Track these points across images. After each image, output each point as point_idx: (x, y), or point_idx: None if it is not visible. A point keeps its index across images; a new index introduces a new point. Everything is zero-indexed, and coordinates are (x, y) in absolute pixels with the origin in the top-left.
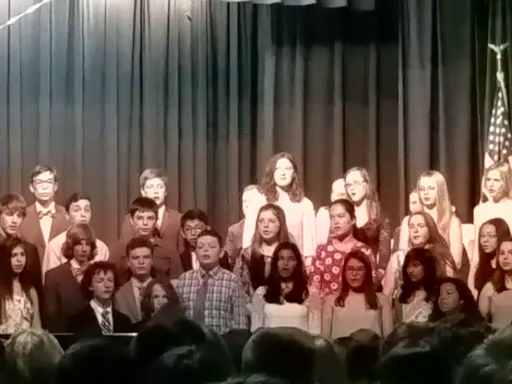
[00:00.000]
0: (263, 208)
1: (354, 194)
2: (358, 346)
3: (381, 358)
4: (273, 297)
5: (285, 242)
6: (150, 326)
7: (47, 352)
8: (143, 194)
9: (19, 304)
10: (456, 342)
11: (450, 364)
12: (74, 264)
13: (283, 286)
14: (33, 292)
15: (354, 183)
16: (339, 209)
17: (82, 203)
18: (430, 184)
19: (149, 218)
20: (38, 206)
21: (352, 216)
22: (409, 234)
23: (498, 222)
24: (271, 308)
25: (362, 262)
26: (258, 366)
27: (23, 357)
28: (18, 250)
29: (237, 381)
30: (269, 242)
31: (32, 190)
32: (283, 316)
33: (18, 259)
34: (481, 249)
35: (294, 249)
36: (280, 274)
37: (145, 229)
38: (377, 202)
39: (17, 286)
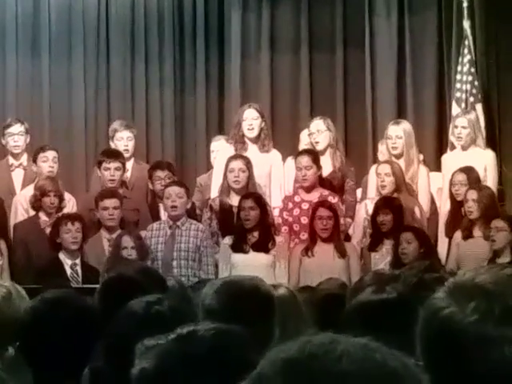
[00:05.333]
0: (232, 158)
1: (317, 142)
2: (326, 295)
3: (347, 304)
4: (239, 246)
5: (247, 193)
6: (113, 276)
7: (15, 303)
8: (112, 146)
9: None
10: (420, 288)
11: (416, 309)
12: (43, 216)
13: (249, 235)
14: (2, 244)
15: (317, 132)
16: (306, 160)
17: (50, 154)
18: (398, 133)
19: (116, 169)
20: (10, 159)
21: (318, 166)
22: (376, 183)
23: (468, 170)
24: (237, 257)
25: (330, 211)
26: (221, 314)
27: None
28: None
29: (188, 330)
30: (238, 192)
31: (3, 142)
32: (249, 265)
33: None
34: (452, 197)
35: (257, 199)
36: (243, 225)
37: (112, 180)
38: (341, 150)
39: None
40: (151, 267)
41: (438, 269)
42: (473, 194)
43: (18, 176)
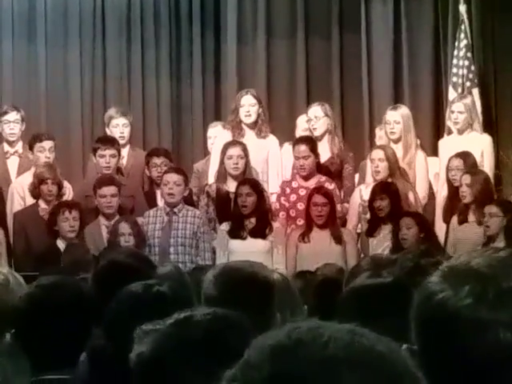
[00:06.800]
0: (230, 144)
1: (315, 129)
2: (323, 280)
3: (344, 289)
4: (236, 232)
5: (243, 179)
6: (105, 263)
7: (13, 291)
8: (108, 133)
9: None
10: (417, 273)
11: (412, 294)
12: (42, 204)
13: (246, 221)
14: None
15: (314, 118)
16: (303, 149)
17: (47, 144)
18: (396, 118)
19: (111, 155)
20: (6, 146)
21: (316, 154)
22: (370, 168)
23: (465, 155)
24: (235, 244)
25: (326, 197)
26: (220, 300)
27: None
28: None
29: (185, 315)
30: (235, 178)
31: None
32: (247, 251)
33: None
34: (449, 182)
35: (253, 185)
36: (240, 211)
37: (107, 167)
38: (339, 136)
39: None
40: (138, 250)
41: (434, 253)
42: (466, 179)
43: (13, 163)
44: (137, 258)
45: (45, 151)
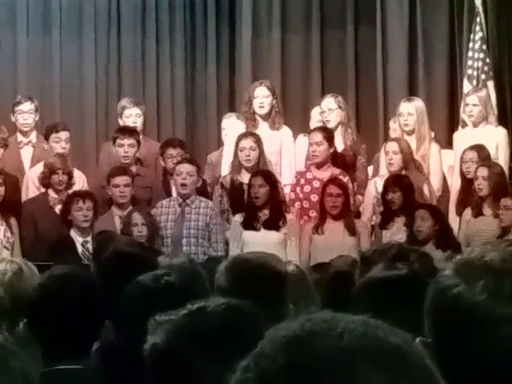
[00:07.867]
0: (242, 136)
1: (328, 121)
2: (337, 272)
3: (357, 281)
4: (250, 224)
5: (256, 170)
6: (109, 254)
7: (26, 280)
8: (121, 123)
9: None
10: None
11: (426, 287)
12: (51, 193)
13: (260, 213)
14: (13, 221)
15: (328, 110)
16: (318, 137)
17: (63, 135)
18: (410, 110)
19: (129, 145)
20: (19, 136)
21: (330, 144)
22: (384, 161)
23: (479, 148)
24: (248, 235)
25: (340, 188)
26: (231, 292)
27: (3, 285)
28: None
29: (198, 305)
30: (249, 170)
31: (13, 120)
32: (260, 243)
33: None
34: (463, 175)
35: (266, 176)
36: (253, 202)
37: (126, 157)
38: (352, 128)
39: None
40: (138, 240)
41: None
42: (483, 171)
43: (26, 153)
44: (139, 247)
45: (61, 141)
